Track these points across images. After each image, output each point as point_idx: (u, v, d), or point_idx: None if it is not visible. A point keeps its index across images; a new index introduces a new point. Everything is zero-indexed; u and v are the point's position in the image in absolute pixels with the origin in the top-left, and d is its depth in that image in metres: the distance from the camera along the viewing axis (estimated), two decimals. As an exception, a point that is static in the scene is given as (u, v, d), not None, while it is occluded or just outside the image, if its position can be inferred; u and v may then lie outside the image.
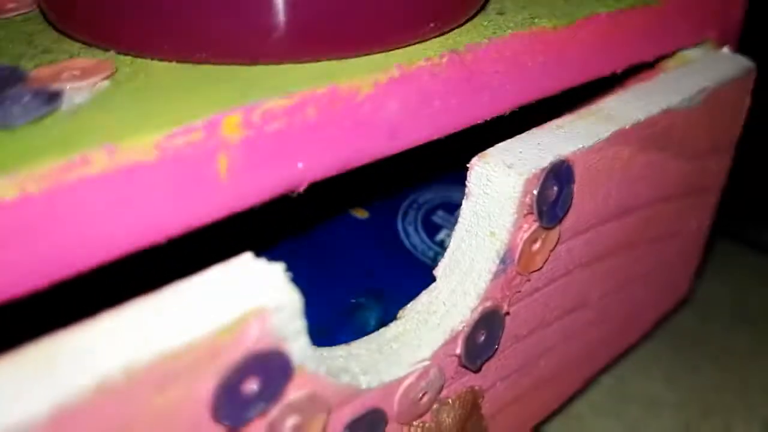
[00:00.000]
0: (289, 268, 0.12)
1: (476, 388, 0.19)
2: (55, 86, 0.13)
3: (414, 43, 0.16)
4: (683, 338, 0.32)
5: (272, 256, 0.12)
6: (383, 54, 0.15)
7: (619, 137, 0.19)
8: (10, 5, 0.19)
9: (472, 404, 0.19)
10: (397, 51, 0.16)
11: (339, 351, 0.16)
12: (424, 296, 0.18)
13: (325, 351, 0.16)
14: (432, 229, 0.27)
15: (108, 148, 0.11)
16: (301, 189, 0.15)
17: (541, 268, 0.18)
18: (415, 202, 0.28)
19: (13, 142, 0.11)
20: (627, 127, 0.19)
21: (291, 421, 0.13)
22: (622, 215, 0.21)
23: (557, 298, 0.20)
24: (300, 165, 0.14)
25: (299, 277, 0.13)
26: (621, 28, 0.20)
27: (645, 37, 0.21)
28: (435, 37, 0.17)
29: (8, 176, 0.10)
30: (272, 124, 0.13)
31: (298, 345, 0.13)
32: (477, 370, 0.18)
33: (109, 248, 0.12)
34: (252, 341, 0.12)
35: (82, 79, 0.13)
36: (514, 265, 0.17)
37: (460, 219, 0.18)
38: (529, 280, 0.18)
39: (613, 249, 0.22)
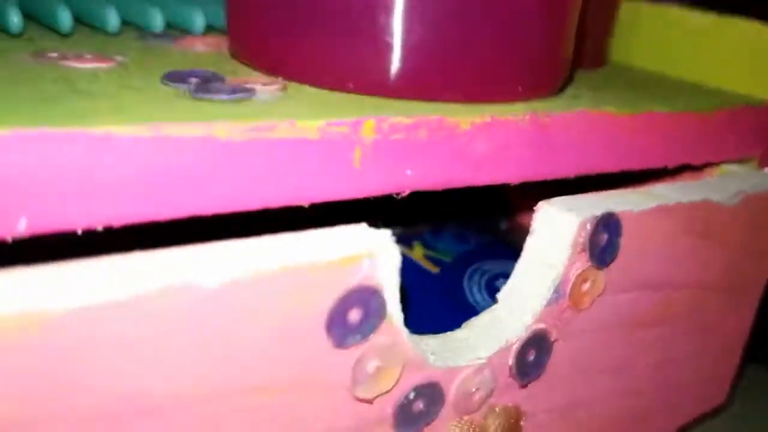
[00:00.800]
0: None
1: (521, 408, 0.22)
2: (249, 85, 0.18)
3: (505, 102, 0.21)
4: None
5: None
6: (482, 104, 0.20)
7: (662, 212, 0.23)
8: (200, 47, 0.25)
9: (515, 420, 0.22)
10: (492, 105, 0.20)
11: (415, 337, 0.20)
12: (486, 314, 0.21)
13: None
14: (493, 291, 0.30)
15: (290, 122, 0.16)
16: (406, 193, 0.19)
17: (589, 308, 0.22)
18: (480, 268, 0.32)
19: (228, 108, 0.16)
20: (670, 204, 0.23)
21: (374, 363, 0.17)
22: (665, 287, 0.25)
23: (603, 350, 0.24)
24: (408, 172, 0.19)
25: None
26: (675, 126, 0.25)
27: (695, 140, 0.26)
28: (522, 101, 0.21)
29: (232, 124, 0.15)
30: (396, 134, 0.18)
31: (392, 295, 0.17)
32: (524, 386, 0.21)
33: (266, 196, 0.16)
34: (362, 275, 0.16)
35: (265, 86, 0.19)
36: (566, 298, 0.21)
37: (523, 252, 0.21)
38: (578, 316, 0.22)
39: (656, 319, 0.25)
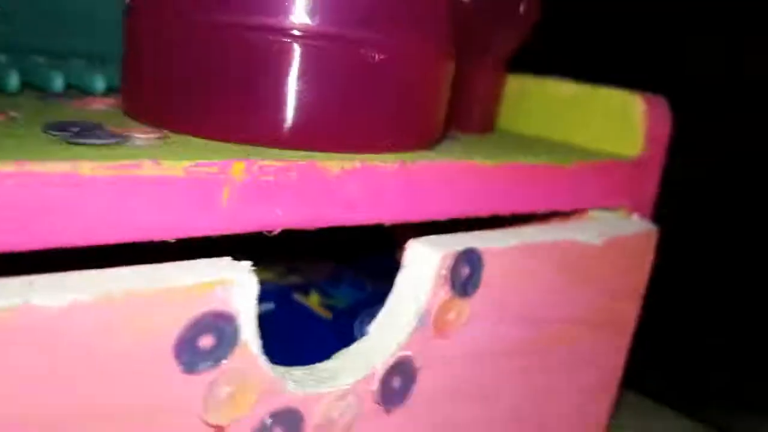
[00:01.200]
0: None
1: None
2: (125, 133, 0.20)
3: (377, 153, 0.23)
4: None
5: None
6: (354, 154, 0.22)
7: (525, 249, 0.25)
8: (97, 105, 0.26)
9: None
10: (364, 155, 0.22)
11: (279, 368, 0.21)
12: (356, 345, 0.23)
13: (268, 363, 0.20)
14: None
15: (154, 161, 0.18)
16: (276, 232, 0.21)
17: (455, 337, 0.23)
18: (372, 312, 0.33)
19: (99, 150, 0.18)
20: (533, 242, 0.25)
21: (226, 388, 0.18)
22: (533, 320, 0.26)
23: (470, 378, 0.25)
24: (279, 212, 0.20)
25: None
26: (535, 176, 0.27)
27: (556, 188, 0.28)
28: (392, 152, 0.23)
29: (97, 162, 0.16)
30: (266, 176, 0.20)
31: (248, 322, 0.18)
32: (388, 411, 0.23)
33: (130, 230, 0.18)
34: (215, 302, 0.17)
35: (143, 134, 0.20)
36: (430, 326, 0.23)
37: (394, 287, 0.23)
38: (444, 345, 0.23)
39: (524, 350, 0.27)
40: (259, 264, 0.37)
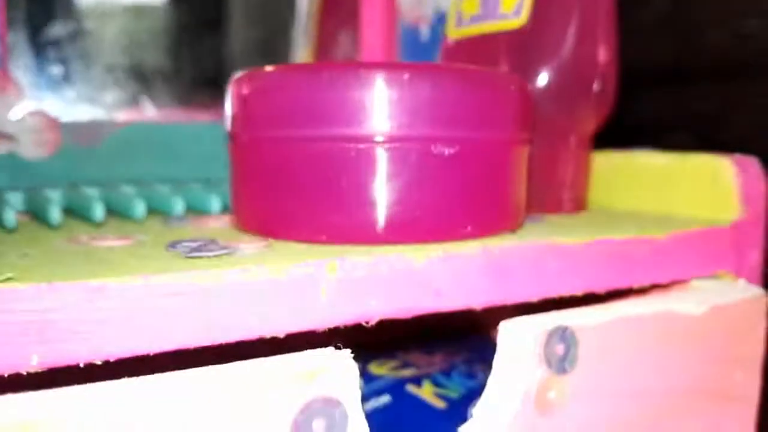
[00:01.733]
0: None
1: None
2: (233, 245, 0.22)
3: (460, 240, 0.24)
4: None
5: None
6: (438, 244, 0.24)
7: (622, 324, 0.25)
8: (213, 224, 0.29)
9: None
10: (447, 243, 0.24)
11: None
12: (462, 428, 0.23)
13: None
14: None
15: (258, 266, 0.20)
16: (373, 322, 0.22)
17: (559, 416, 0.24)
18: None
19: (210, 261, 0.20)
20: (631, 315, 0.25)
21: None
22: (636, 396, 0.26)
23: (582, 458, 0.25)
24: (373, 303, 0.22)
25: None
26: (627, 251, 0.27)
27: (651, 262, 0.28)
28: (474, 239, 0.25)
29: (210, 270, 0.19)
30: (357, 272, 0.22)
31: (353, 406, 0.19)
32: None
33: (243, 329, 0.20)
34: (322, 387, 0.19)
35: (250, 244, 0.23)
36: (532, 407, 0.23)
37: (493, 369, 0.24)
38: (548, 425, 0.23)
39: (631, 427, 0.26)
40: (374, 360, 0.38)
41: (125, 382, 0.17)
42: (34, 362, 0.17)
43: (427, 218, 0.24)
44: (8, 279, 0.17)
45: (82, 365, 0.18)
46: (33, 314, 0.17)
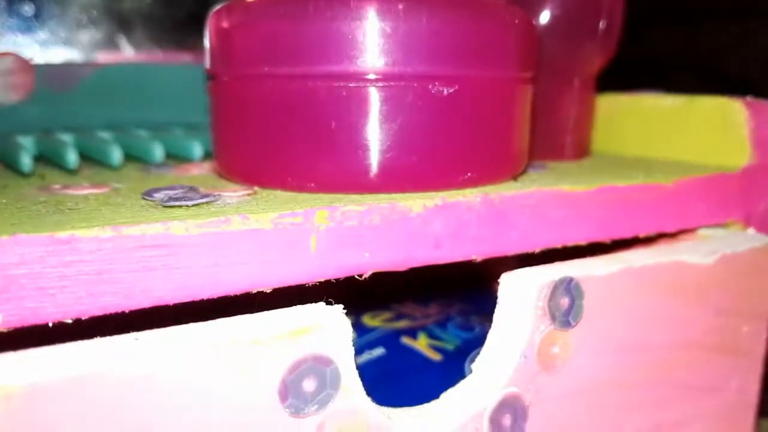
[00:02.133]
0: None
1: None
2: (217, 193, 0.21)
3: (459, 188, 0.23)
4: None
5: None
6: (435, 192, 0.22)
7: (627, 274, 0.24)
8: (195, 171, 0.28)
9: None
10: (445, 191, 0.22)
11: (386, 409, 0.21)
12: (461, 384, 0.22)
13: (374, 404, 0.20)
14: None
15: (242, 216, 0.18)
16: (367, 275, 0.21)
17: (564, 372, 0.22)
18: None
19: (189, 210, 0.19)
20: (635, 266, 0.24)
21: (335, 430, 0.18)
22: (642, 349, 0.25)
23: (584, 413, 0.24)
24: (366, 255, 0.20)
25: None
26: (633, 198, 0.26)
27: (658, 210, 0.27)
28: (474, 186, 0.23)
29: (188, 221, 0.17)
30: (349, 221, 0.20)
31: (346, 364, 0.18)
32: (503, 452, 0.22)
33: (225, 284, 0.18)
34: (312, 346, 0.17)
35: (233, 192, 0.21)
36: (535, 361, 0.22)
37: (493, 323, 0.23)
38: (553, 380, 0.22)
39: (640, 380, 0.25)
40: (368, 312, 0.37)
41: (96, 343, 0.16)
42: (-2, 322, 0.15)
43: (424, 164, 0.22)
44: (-37, 231, 0.15)
45: (50, 325, 0.16)
46: (-9, 270, 0.15)
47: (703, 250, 0.26)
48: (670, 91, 0.35)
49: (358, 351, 0.33)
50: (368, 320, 0.36)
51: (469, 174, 0.23)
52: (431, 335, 0.34)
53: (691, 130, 0.33)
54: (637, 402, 0.25)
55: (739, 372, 0.29)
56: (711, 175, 0.29)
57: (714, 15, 0.39)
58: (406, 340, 0.34)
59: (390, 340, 0.34)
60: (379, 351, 0.33)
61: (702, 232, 0.29)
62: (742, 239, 0.29)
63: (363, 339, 0.34)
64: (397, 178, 0.22)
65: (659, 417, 0.26)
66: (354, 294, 0.24)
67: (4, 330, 0.15)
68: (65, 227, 0.16)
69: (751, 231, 0.30)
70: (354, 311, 0.37)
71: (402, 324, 0.35)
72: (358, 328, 0.35)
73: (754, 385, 0.30)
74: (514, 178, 0.25)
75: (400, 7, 0.20)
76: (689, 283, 0.26)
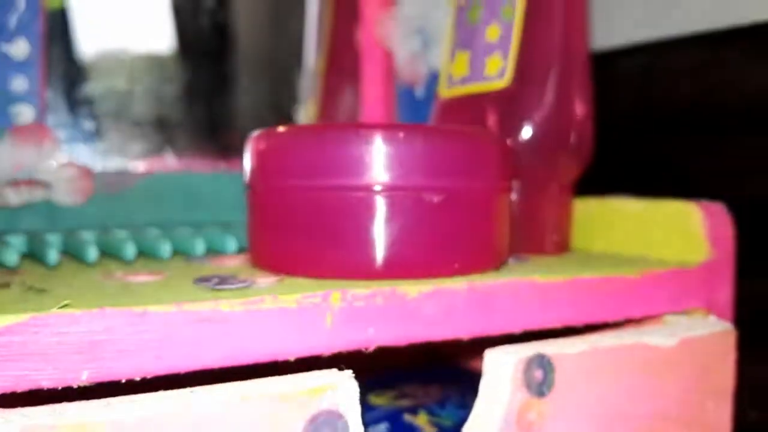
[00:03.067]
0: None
1: None
2: (251, 279, 0.26)
3: (448, 276, 0.28)
4: None
5: None
6: (429, 279, 0.27)
7: (596, 353, 0.28)
8: (230, 262, 0.33)
9: None
10: (437, 279, 0.27)
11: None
12: (452, 446, 0.26)
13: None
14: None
15: (273, 296, 0.23)
16: (371, 348, 0.25)
17: (540, 437, 0.26)
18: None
19: (233, 292, 0.24)
20: (605, 346, 0.28)
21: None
22: (612, 420, 0.29)
23: (561, 474, 0.27)
24: (371, 330, 0.25)
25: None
26: (602, 288, 0.31)
27: (625, 299, 0.31)
28: (461, 276, 0.28)
29: (232, 300, 0.22)
30: (358, 302, 0.25)
31: (354, 419, 0.22)
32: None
33: (260, 352, 0.23)
34: (327, 402, 0.22)
35: (265, 278, 0.26)
36: (514, 426, 0.26)
37: (479, 392, 0.27)
38: (529, 443, 0.26)
39: (612, 448, 0.29)
40: (374, 391, 0.41)
41: (160, 395, 0.20)
42: (84, 377, 0.20)
43: (419, 257, 0.27)
44: (65, 305, 0.20)
45: (123, 381, 0.21)
46: (85, 335, 0.20)
47: (666, 333, 0.31)
48: (639, 193, 0.40)
49: (365, 426, 0.36)
50: (374, 399, 0.40)
51: (456, 265, 0.28)
52: (431, 413, 0.38)
53: (655, 229, 0.37)
54: (611, 468, 0.29)
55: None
56: (674, 269, 0.33)
57: (680, 130, 0.45)
58: (408, 417, 0.38)
59: (393, 416, 0.38)
60: (383, 426, 0.37)
61: (667, 318, 0.34)
62: (704, 324, 0.33)
63: (369, 415, 0.38)
64: (397, 268, 0.27)
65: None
66: (362, 375, 0.28)
67: (88, 384, 0.20)
68: (138, 304, 0.21)
69: (712, 318, 0.34)
70: (361, 390, 0.41)
71: (404, 402, 0.39)
72: (365, 405, 0.39)
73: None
74: (497, 268, 0.30)
75: (401, 136, 0.26)
76: (654, 362, 0.30)
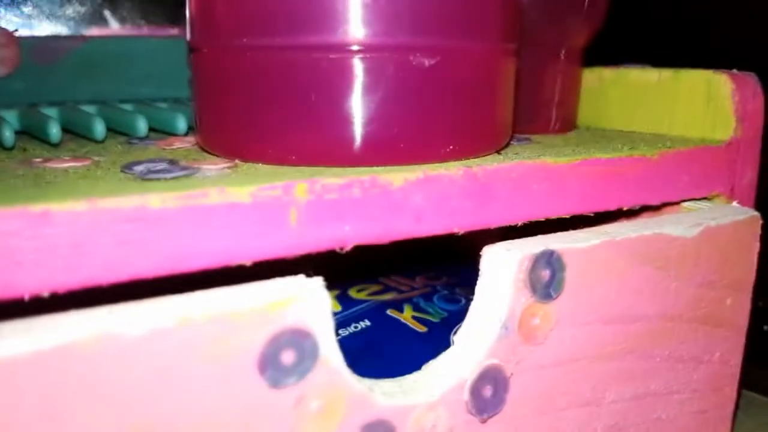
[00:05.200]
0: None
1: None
2: (195, 166, 0.21)
3: (439, 161, 0.23)
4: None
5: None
6: (417, 165, 0.22)
7: (609, 247, 0.24)
8: (177, 144, 0.27)
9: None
10: (427, 164, 0.22)
11: (366, 380, 0.21)
12: (443, 356, 0.22)
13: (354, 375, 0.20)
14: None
15: (220, 189, 0.18)
16: (348, 248, 0.21)
17: (546, 343, 0.23)
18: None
19: (167, 184, 0.19)
20: (617, 239, 0.24)
21: (315, 402, 0.18)
22: (625, 321, 0.25)
23: (566, 384, 0.24)
24: (347, 228, 0.20)
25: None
26: (617, 171, 0.26)
27: (642, 183, 0.27)
28: (456, 160, 0.23)
29: (165, 194, 0.17)
30: (329, 195, 0.20)
31: (326, 337, 0.18)
32: (484, 421, 0.22)
33: (203, 257, 0.18)
34: (291, 318, 0.17)
35: (213, 165, 0.21)
36: (516, 333, 0.22)
37: (475, 296, 0.23)
38: (534, 351, 0.23)
39: (620, 352, 0.25)
40: (354, 285, 0.37)
41: (74, 314, 0.16)
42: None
43: (406, 137, 0.22)
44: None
45: (27, 298, 0.16)
46: (-34, 243, 0.15)
47: (687, 223, 0.26)
48: (655, 64, 0.34)
49: (344, 323, 0.33)
50: (355, 293, 0.36)
51: (451, 147, 0.23)
52: (416, 308, 0.34)
53: (676, 103, 0.32)
54: (620, 373, 0.26)
55: (723, 343, 0.29)
56: (695, 147, 0.29)
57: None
58: (391, 313, 0.34)
59: (376, 312, 0.34)
60: (365, 323, 0.34)
61: (686, 205, 0.29)
62: (726, 212, 0.29)
63: (349, 312, 0.34)
64: (378, 151, 0.22)
65: (642, 388, 0.27)
66: (340, 268, 0.24)
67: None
68: (39, 201, 0.16)
69: (735, 204, 0.30)
70: (341, 285, 0.37)
71: (388, 297, 0.36)
72: (345, 301, 0.35)
73: (737, 356, 0.30)
74: (498, 151, 0.25)
75: (380, -23, 0.20)
76: (672, 256, 0.26)
